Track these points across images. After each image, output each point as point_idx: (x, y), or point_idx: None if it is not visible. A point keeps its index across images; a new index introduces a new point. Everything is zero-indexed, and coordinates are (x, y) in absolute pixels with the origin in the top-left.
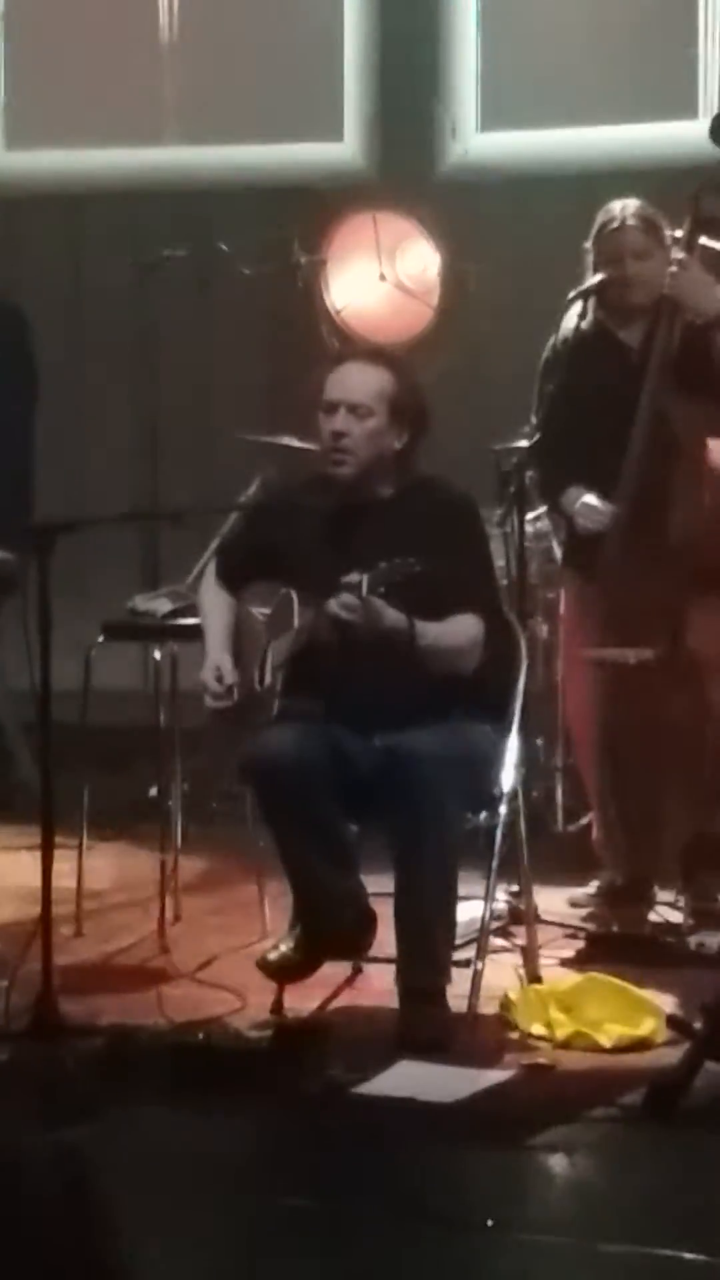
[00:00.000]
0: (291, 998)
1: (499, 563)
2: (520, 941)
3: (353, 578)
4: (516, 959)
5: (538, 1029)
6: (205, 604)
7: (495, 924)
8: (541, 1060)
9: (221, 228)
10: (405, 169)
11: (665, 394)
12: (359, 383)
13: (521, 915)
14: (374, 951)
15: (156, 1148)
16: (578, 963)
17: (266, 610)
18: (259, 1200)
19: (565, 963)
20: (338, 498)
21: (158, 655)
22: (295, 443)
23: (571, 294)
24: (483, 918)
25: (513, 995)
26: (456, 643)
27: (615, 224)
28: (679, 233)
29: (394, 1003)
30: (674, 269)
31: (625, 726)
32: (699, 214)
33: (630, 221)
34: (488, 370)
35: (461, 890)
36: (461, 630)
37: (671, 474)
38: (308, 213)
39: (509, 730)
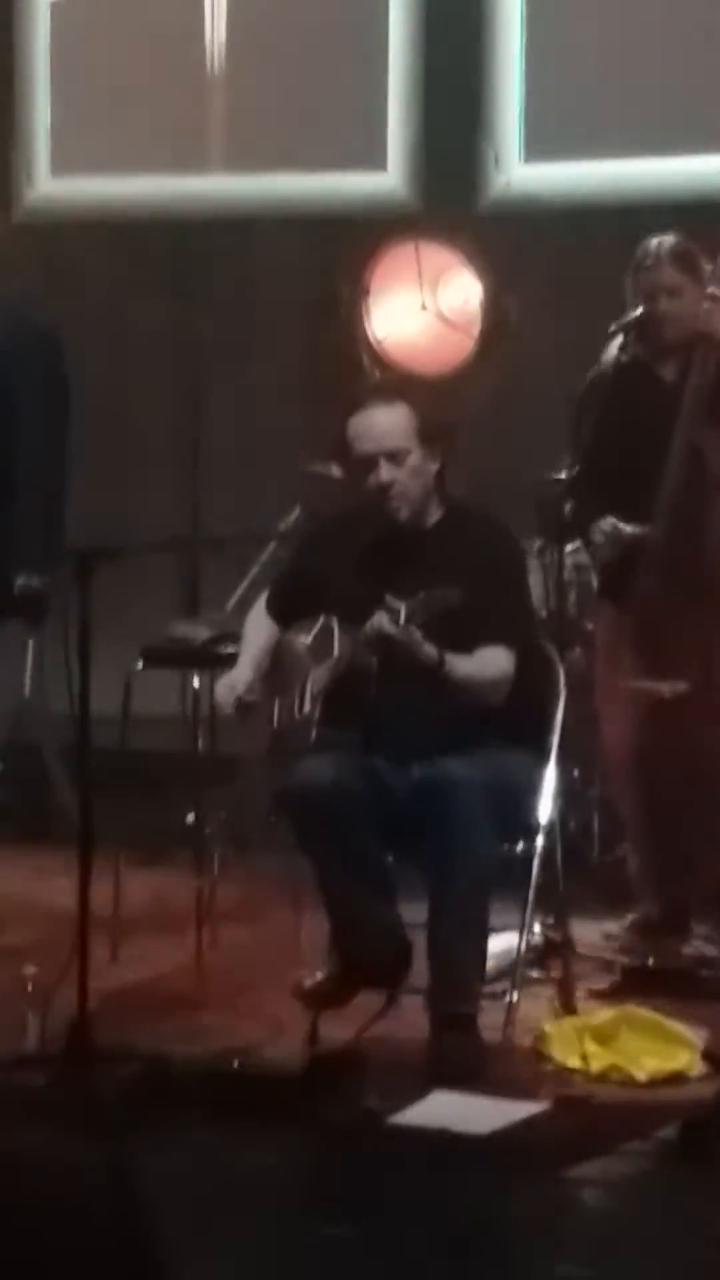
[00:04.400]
0: (327, 1027)
1: (537, 593)
2: (555, 973)
3: (393, 604)
4: (551, 991)
5: (572, 1061)
6: (248, 630)
7: (530, 955)
8: (576, 1093)
9: (264, 256)
10: (448, 200)
11: (699, 429)
12: (387, 427)
13: (556, 947)
14: (410, 981)
15: (190, 1175)
16: (613, 995)
17: (307, 640)
18: (293, 1229)
19: (600, 995)
20: (381, 527)
21: (196, 682)
22: (337, 471)
23: (612, 327)
24: (518, 949)
25: (548, 1027)
26: (485, 676)
27: (649, 261)
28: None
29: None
30: (708, 305)
31: (660, 758)
32: None
33: (664, 258)
34: (529, 402)
35: (497, 921)
36: (490, 663)
37: (706, 508)
38: (350, 242)
39: (547, 761)
